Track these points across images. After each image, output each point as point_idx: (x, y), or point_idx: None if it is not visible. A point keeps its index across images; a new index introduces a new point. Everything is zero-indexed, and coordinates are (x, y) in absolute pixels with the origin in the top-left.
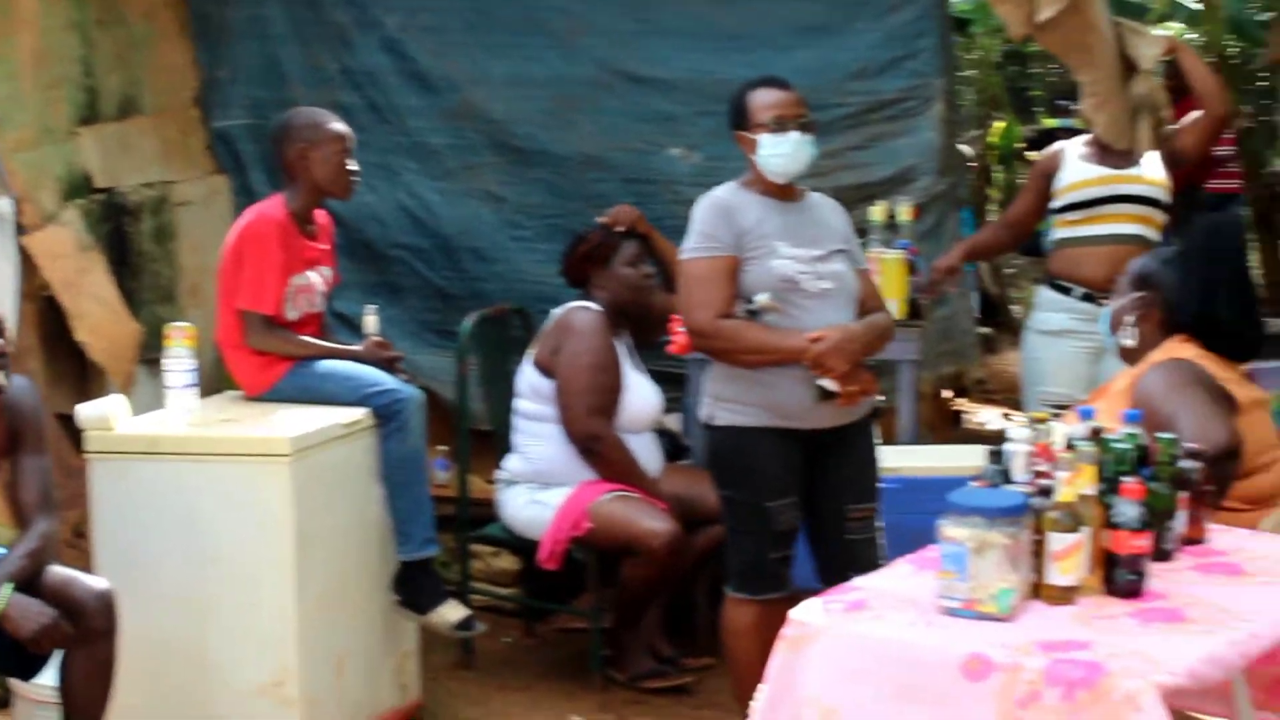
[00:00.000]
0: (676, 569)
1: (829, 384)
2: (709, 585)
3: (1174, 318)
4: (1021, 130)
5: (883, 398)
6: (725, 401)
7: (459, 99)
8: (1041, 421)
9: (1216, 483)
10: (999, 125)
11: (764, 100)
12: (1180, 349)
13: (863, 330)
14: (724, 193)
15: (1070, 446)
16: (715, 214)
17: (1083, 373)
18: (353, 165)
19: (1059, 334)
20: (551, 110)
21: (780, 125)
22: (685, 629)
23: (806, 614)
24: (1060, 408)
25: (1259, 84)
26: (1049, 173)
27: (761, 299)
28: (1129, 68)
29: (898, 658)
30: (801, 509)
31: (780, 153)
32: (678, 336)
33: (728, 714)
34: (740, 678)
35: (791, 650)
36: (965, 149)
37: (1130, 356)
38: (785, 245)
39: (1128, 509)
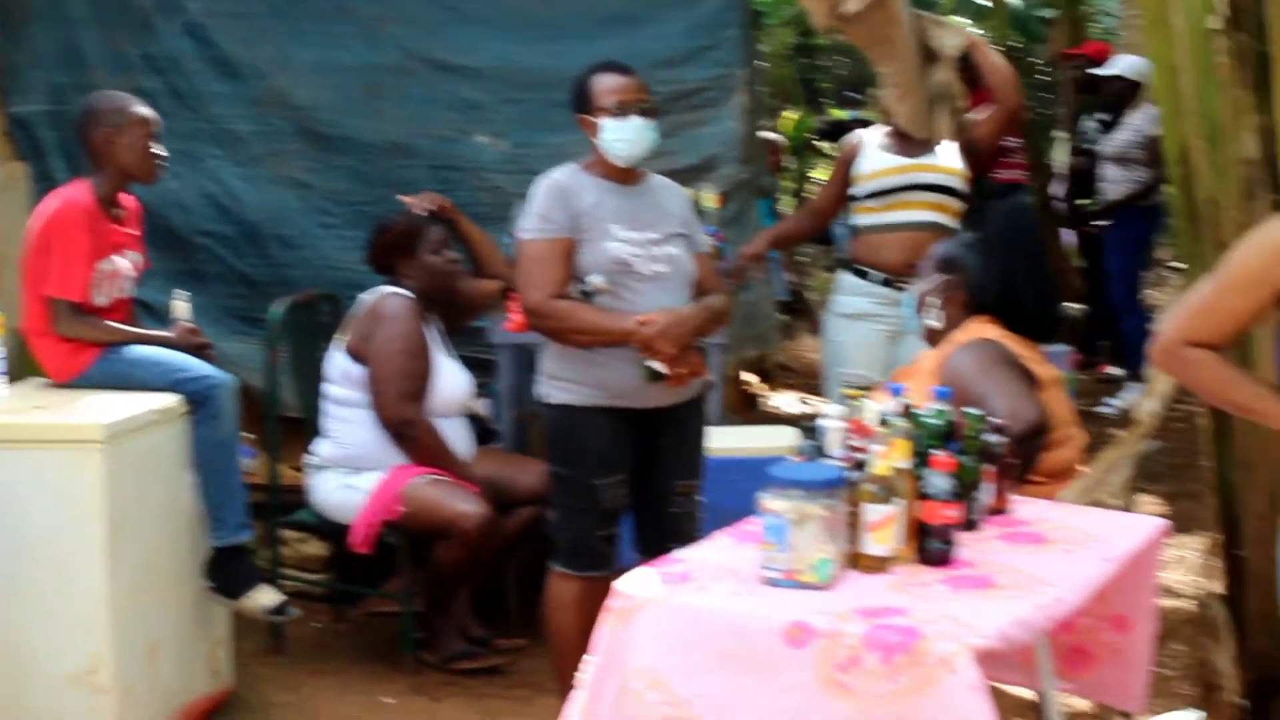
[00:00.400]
0: (488, 551)
1: (658, 365)
2: (520, 567)
3: (977, 299)
4: (812, 121)
5: (712, 379)
6: (559, 380)
7: (265, 86)
8: (856, 399)
9: (1026, 457)
10: (790, 116)
11: (607, 85)
12: (984, 329)
13: (693, 313)
14: (562, 175)
15: (884, 422)
16: (552, 196)
17: (882, 355)
18: (159, 150)
19: (859, 317)
20: (358, 97)
21: (623, 110)
22: (497, 611)
23: (632, 586)
24: (860, 389)
25: (1039, 78)
26: (848, 162)
27: (594, 280)
28: (928, 59)
29: (723, 627)
30: (630, 487)
31: (622, 137)
32: (514, 315)
33: (540, 693)
34: (562, 653)
35: (619, 621)
36: (773, 136)
37: (935, 338)
38: (620, 228)
39: (939, 481)
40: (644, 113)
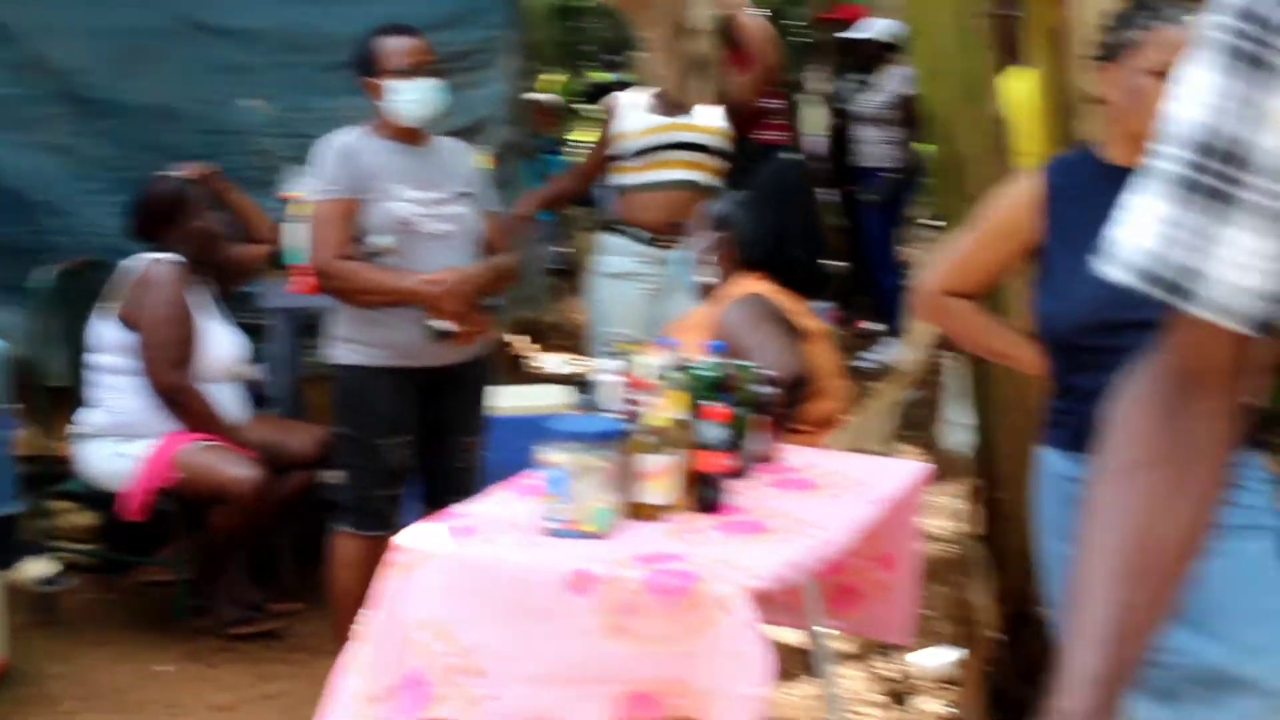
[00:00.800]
0: (262, 515)
1: (444, 324)
2: (295, 531)
3: (748, 256)
4: (575, 84)
5: (499, 336)
6: (346, 341)
7: (26, 49)
8: (630, 354)
9: (789, 407)
10: (553, 79)
11: (394, 46)
12: (755, 285)
13: (479, 273)
14: (348, 137)
15: (659, 376)
16: (336, 158)
17: (645, 313)
18: None
19: (623, 276)
20: (123, 61)
21: (412, 71)
22: (271, 575)
23: (415, 540)
24: (628, 346)
25: (797, 40)
26: (612, 123)
27: (380, 241)
28: (686, 24)
29: (508, 577)
30: (415, 446)
31: (412, 98)
32: (298, 278)
33: (317, 656)
34: (344, 614)
35: (400, 575)
36: (543, 98)
37: (709, 293)
38: (405, 188)
39: (712, 431)
40: (432, 74)
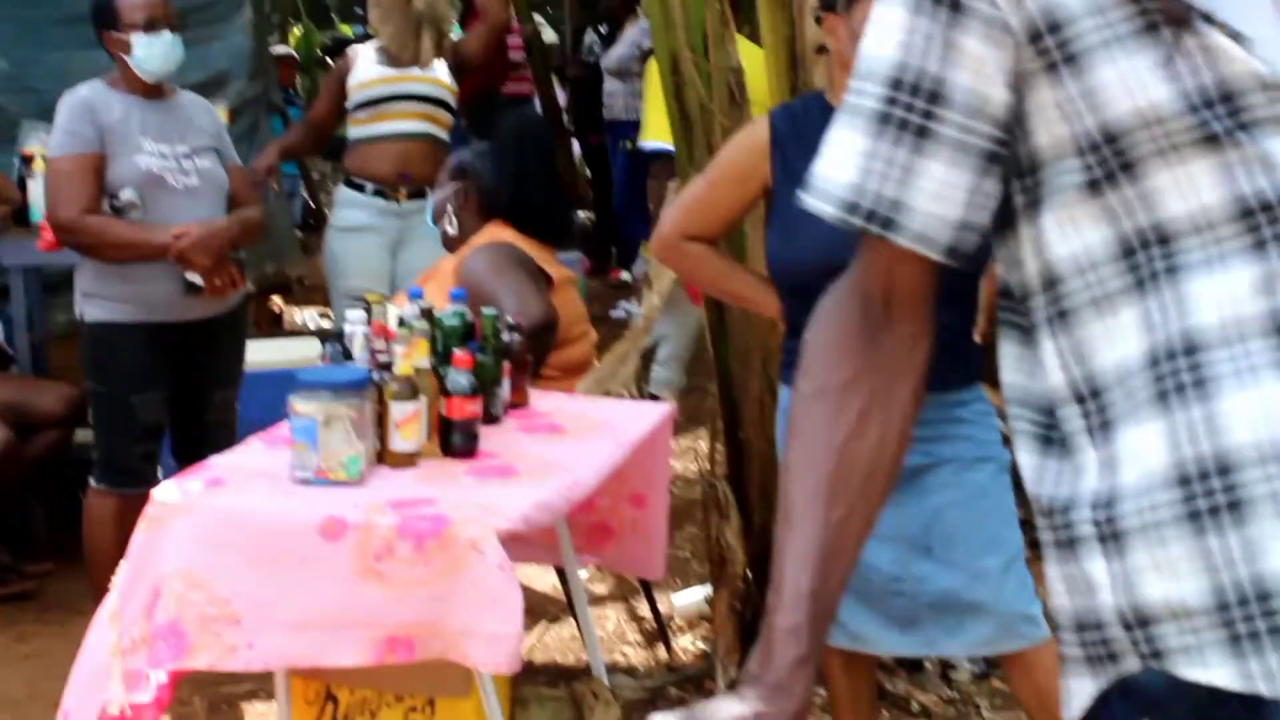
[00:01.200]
0: (10, 476)
1: (195, 278)
2: (45, 491)
3: (491, 204)
4: (320, 37)
5: (252, 288)
6: (94, 298)
7: None
8: (377, 304)
9: (538, 352)
10: (298, 32)
11: (134, 0)
12: (499, 233)
13: (227, 225)
14: (88, 90)
15: (404, 325)
16: (78, 111)
17: (382, 266)
18: None
19: (357, 230)
20: None
21: (152, 25)
22: (25, 536)
23: (166, 494)
24: (372, 297)
25: None
26: (344, 75)
27: (126, 195)
28: None
29: (260, 526)
30: (169, 401)
31: (154, 53)
32: (45, 233)
33: (74, 615)
34: (100, 571)
35: (153, 528)
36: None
37: (453, 244)
38: (150, 142)
39: (459, 378)
40: (172, 27)
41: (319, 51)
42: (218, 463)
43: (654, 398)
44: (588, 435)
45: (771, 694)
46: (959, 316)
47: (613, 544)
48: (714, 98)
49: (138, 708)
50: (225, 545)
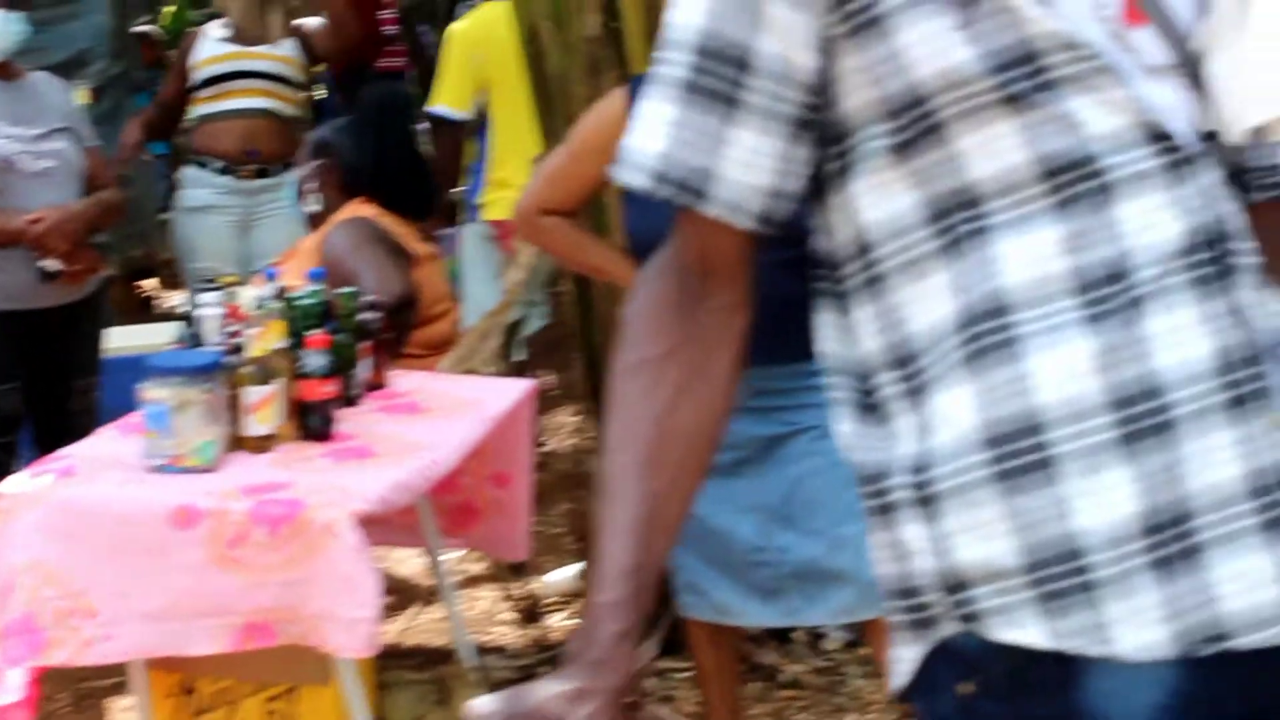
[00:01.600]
0: None
1: (51, 264)
2: None
3: (353, 181)
4: (191, 14)
5: (113, 272)
6: None
7: None
8: (231, 286)
9: (398, 330)
10: (169, 10)
11: None
12: (361, 209)
13: (84, 209)
14: None
15: (258, 306)
16: None
17: (233, 245)
18: None
19: (204, 209)
20: None
21: None
22: None
23: (15, 486)
24: (226, 279)
25: None
26: (189, 52)
27: None
28: None
29: (112, 516)
30: (27, 391)
31: None
32: None
33: None
34: None
35: (3, 521)
36: (149, 30)
37: (316, 221)
38: (1, 125)
39: (314, 359)
40: (9, 5)
41: (189, 29)
42: (70, 452)
43: (521, 369)
44: (448, 414)
45: (593, 670)
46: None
47: (478, 524)
48: (573, 68)
49: (5, 709)
50: (77, 537)
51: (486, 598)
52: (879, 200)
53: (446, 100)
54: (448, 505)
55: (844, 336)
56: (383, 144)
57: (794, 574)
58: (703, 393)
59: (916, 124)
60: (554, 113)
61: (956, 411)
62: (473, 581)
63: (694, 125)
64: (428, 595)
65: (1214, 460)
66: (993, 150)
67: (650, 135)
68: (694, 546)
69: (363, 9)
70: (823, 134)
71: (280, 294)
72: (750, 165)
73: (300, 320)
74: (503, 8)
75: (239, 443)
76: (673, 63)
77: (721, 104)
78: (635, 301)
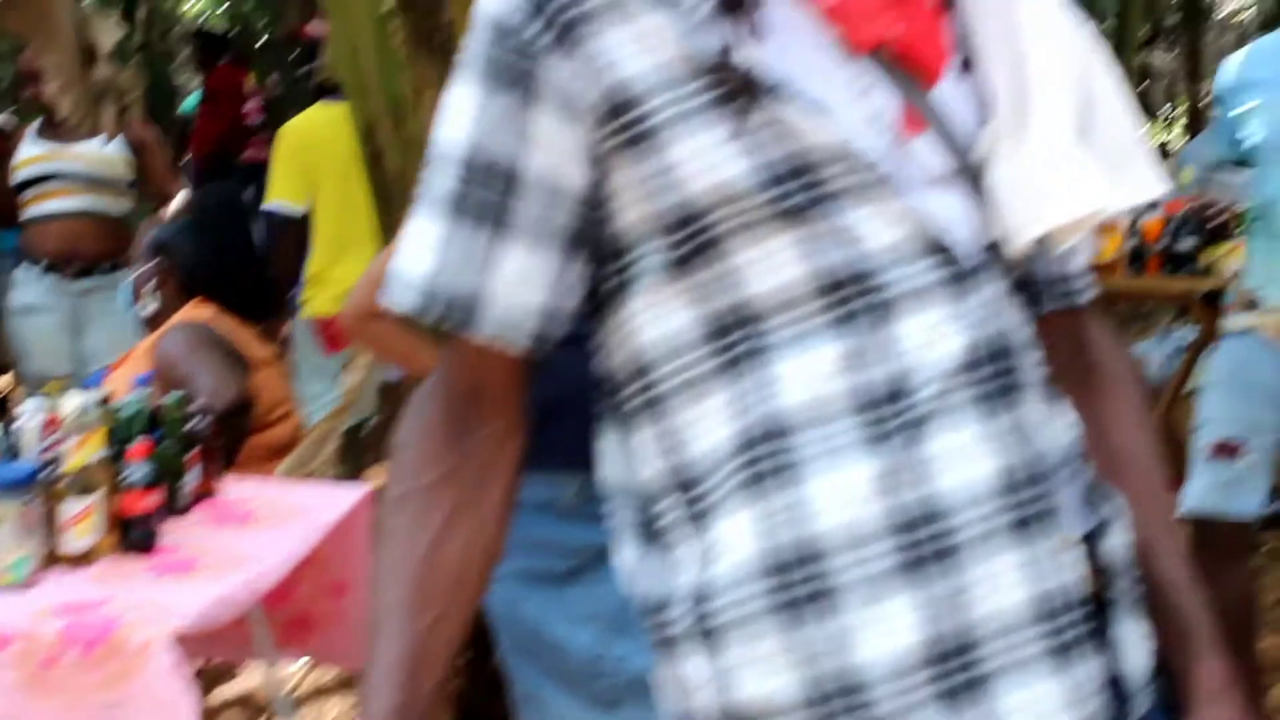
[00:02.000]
0: None
1: None
2: None
3: (191, 282)
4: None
5: None
6: None
7: None
8: (51, 394)
9: (230, 436)
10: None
11: None
12: (199, 311)
13: None
14: None
15: (79, 415)
16: None
17: (63, 346)
18: None
19: (33, 310)
20: None
21: None
22: None
23: None
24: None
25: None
26: (9, 153)
27: None
28: (90, 54)
29: None
30: None
31: None
32: None
33: None
34: None
35: None
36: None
37: (155, 322)
38: None
39: (135, 470)
40: None
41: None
42: None
43: (359, 471)
44: (279, 523)
45: None
46: None
47: (315, 636)
48: (410, 166)
49: None
50: None
51: (338, 708)
52: (657, 318)
53: (282, 195)
54: (283, 617)
55: (625, 461)
56: (221, 244)
57: (632, 683)
58: (473, 524)
59: (693, 239)
60: (392, 210)
61: (737, 539)
62: (324, 690)
63: (462, 244)
64: (275, 707)
65: (999, 585)
66: (770, 265)
67: (417, 255)
68: (531, 657)
69: (228, 101)
70: (599, 250)
71: (103, 401)
72: (521, 285)
73: (122, 429)
74: (330, 110)
75: (55, 559)
76: (439, 179)
77: (489, 222)
78: (404, 430)
